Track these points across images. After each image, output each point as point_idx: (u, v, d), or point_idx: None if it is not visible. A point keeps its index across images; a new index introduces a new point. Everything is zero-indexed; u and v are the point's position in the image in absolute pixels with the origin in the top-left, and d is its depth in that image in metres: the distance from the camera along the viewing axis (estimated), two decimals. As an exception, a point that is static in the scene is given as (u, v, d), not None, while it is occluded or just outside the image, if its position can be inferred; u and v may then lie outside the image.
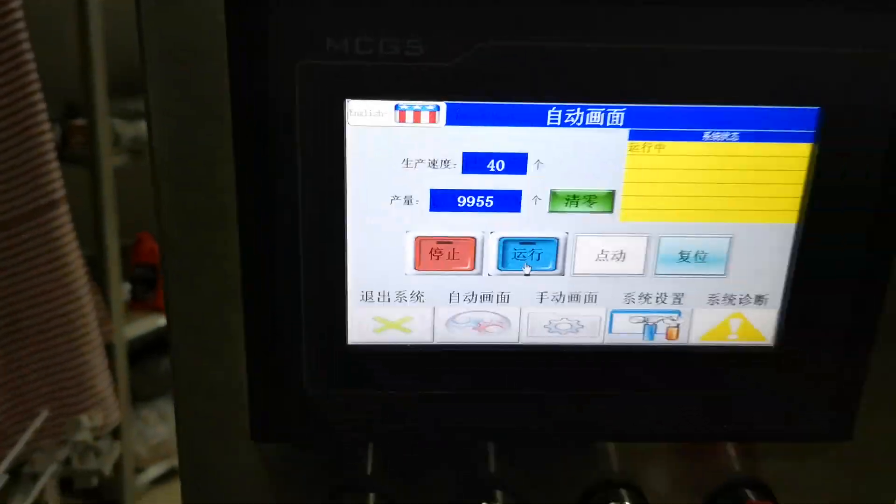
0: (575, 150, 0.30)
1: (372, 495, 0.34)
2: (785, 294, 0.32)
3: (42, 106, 1.53)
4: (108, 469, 1.11)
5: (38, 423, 1.15)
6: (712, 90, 0.30)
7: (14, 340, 1.63)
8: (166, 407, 2.23)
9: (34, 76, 1.40)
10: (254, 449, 0.33)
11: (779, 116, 0.30)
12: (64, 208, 1.66)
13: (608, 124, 0.30)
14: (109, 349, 1.76)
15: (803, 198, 0.31)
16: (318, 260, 0.31)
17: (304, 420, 0.33)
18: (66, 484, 1.97)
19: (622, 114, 0.30)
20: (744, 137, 0.30)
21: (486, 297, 0.32)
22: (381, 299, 0.32)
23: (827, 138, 0.30)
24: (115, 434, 1.92)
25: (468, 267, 0.32)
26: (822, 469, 0.36)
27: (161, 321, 1.96)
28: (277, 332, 0.31)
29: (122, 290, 1.87)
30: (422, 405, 0.33)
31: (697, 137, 0.30)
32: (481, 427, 0.34)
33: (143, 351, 2.40)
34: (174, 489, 2.11)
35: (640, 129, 0.30)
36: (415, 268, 0.31)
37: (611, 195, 0.31)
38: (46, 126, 1.56)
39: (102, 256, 1.81)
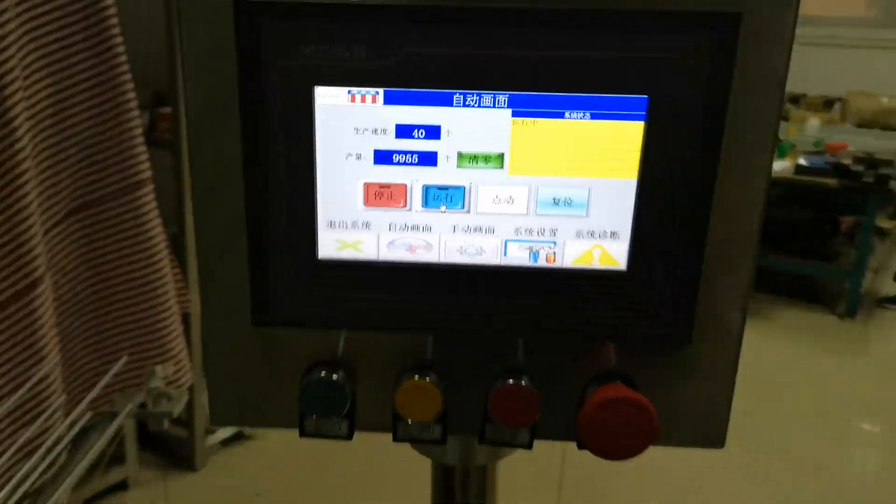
0: (474, 123, 0.43)
1: (341, 371, 0.47)
2: (632, 231, 0.44)
3: (132, 95, 1.72)
4: (177, 411, 1.27)
5: (118, 366, 1.32)
6: (570, 83, 0.42)
7: (103, 305, 1.83)
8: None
9: (125, 68, 1.59)
10: (254, 333, 0.48)
11: (619, 102, 0.42)
12: (150, 188, 1.85)
13: (497, 106, 0.43)
14: (186, 318, 1.94)
15: (640, 161, 0.43)
16: (297, 199, 0.45)
17: (288, 313, 0.47)
18: (145, 442, 2.17)
19: (506, 98, 0.43)
20: (594, 116, 0.43)
21: (415, 228, 0.45)
22: (341, 227, 0.45)
23: (653, 118, 0.42)
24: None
25: (402, 205, 0.45)
26: (674, 367, 0.47)
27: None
28: (269, 249, 0.45)
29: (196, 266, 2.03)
30: (371, 304, 0.46)
31: (560, 116, 0.43)
32: (415, 322, 0.47)
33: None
34: (240, 451, 2.27)
35: (520, 109, 0.43)
36: (364, 205, 0.45)
37: (501, 156, 0.44)
38: (136, 113, 1.75)
39: (183, 234, 1.97)
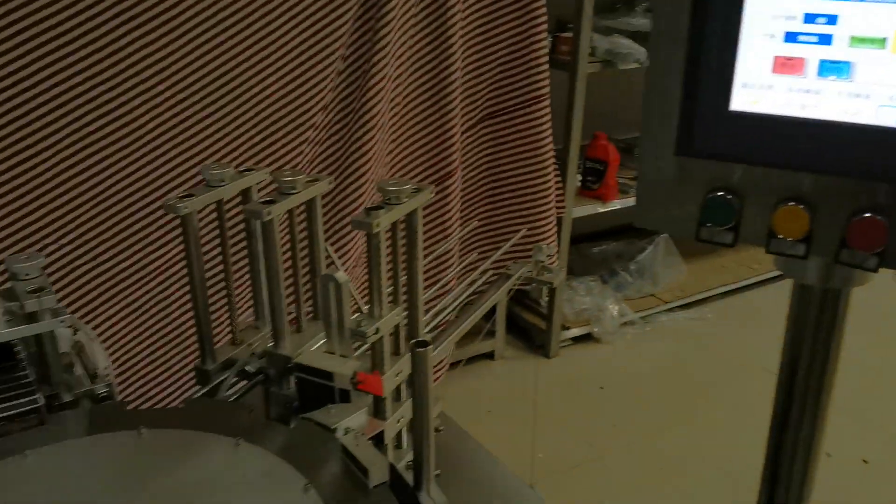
0: (865, 13, 0.58)
1: (734, 194, 0.66)
2: None
3: (543, 19, 2.01)
4: (557, 282, 1.53)
5: (518, 236, 1.62)
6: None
7: (497, 197, 2.17)
8: (594, 284, 2.66)
9: (541, -2, 1.85)
10: (677, 160, 0.68)
11: None
12: (546, 103, 2.15)
13: (887, 1, 0.58)
14: (560, 221, 2.22)
15: None
16: (722, 66, 0.64)
17: (702, 147, 0.66)
18: (511, 328, 2.53)
19: (895, -5, 0.57)
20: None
21: (808, 91, 0.62)
22: (751, 87, 0.64)
23: None
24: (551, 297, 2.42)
25: (801, 73, 0.62)
26: None
27: (600, 208, 2.36)
28: (697, 101, 0.65)
29: (575, 178, 2.29)
30: (764, 146, 0.64)
31: (939, 9, 0.57)
32: (798, 163, 0.64)
33: (582, 238, 2.85)
34: (587, 349, 2.54)
35: (906, 4, 0.57)
36: (772, 72, 0.63)
37: (884, 40, 0.58)
38: (544, 36, 2.04)
39: (566, 150, 2.22)
